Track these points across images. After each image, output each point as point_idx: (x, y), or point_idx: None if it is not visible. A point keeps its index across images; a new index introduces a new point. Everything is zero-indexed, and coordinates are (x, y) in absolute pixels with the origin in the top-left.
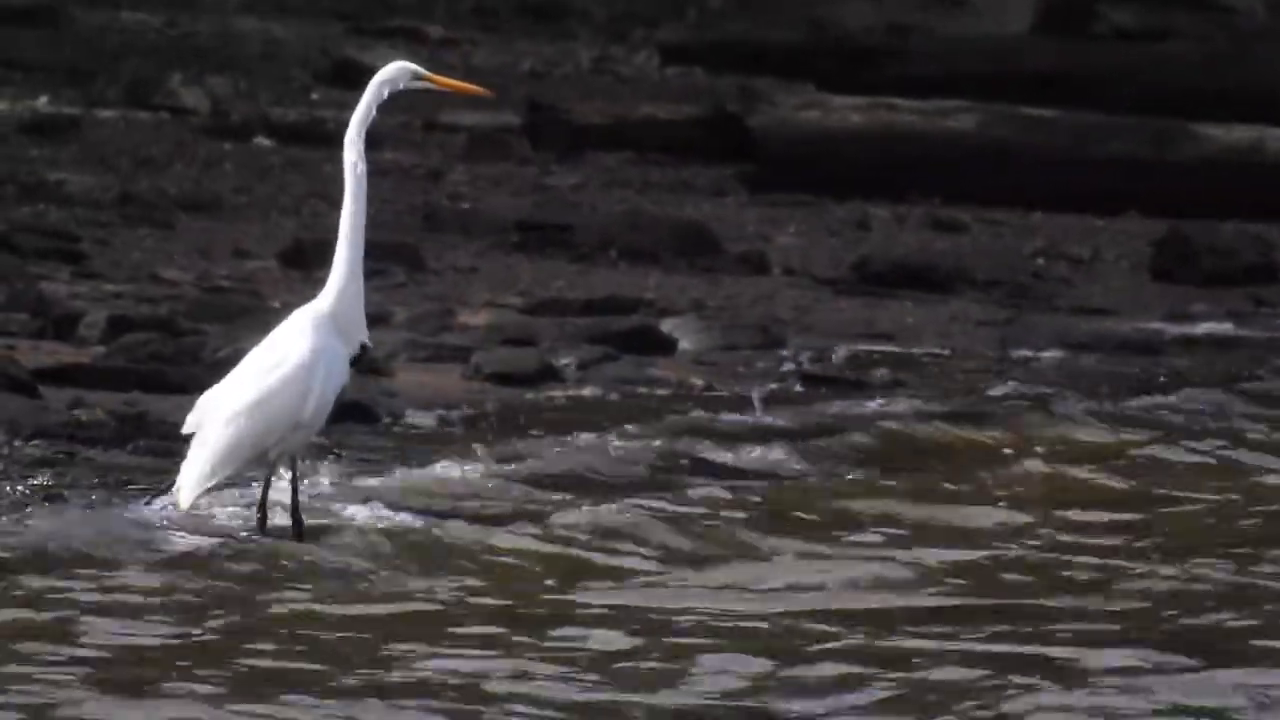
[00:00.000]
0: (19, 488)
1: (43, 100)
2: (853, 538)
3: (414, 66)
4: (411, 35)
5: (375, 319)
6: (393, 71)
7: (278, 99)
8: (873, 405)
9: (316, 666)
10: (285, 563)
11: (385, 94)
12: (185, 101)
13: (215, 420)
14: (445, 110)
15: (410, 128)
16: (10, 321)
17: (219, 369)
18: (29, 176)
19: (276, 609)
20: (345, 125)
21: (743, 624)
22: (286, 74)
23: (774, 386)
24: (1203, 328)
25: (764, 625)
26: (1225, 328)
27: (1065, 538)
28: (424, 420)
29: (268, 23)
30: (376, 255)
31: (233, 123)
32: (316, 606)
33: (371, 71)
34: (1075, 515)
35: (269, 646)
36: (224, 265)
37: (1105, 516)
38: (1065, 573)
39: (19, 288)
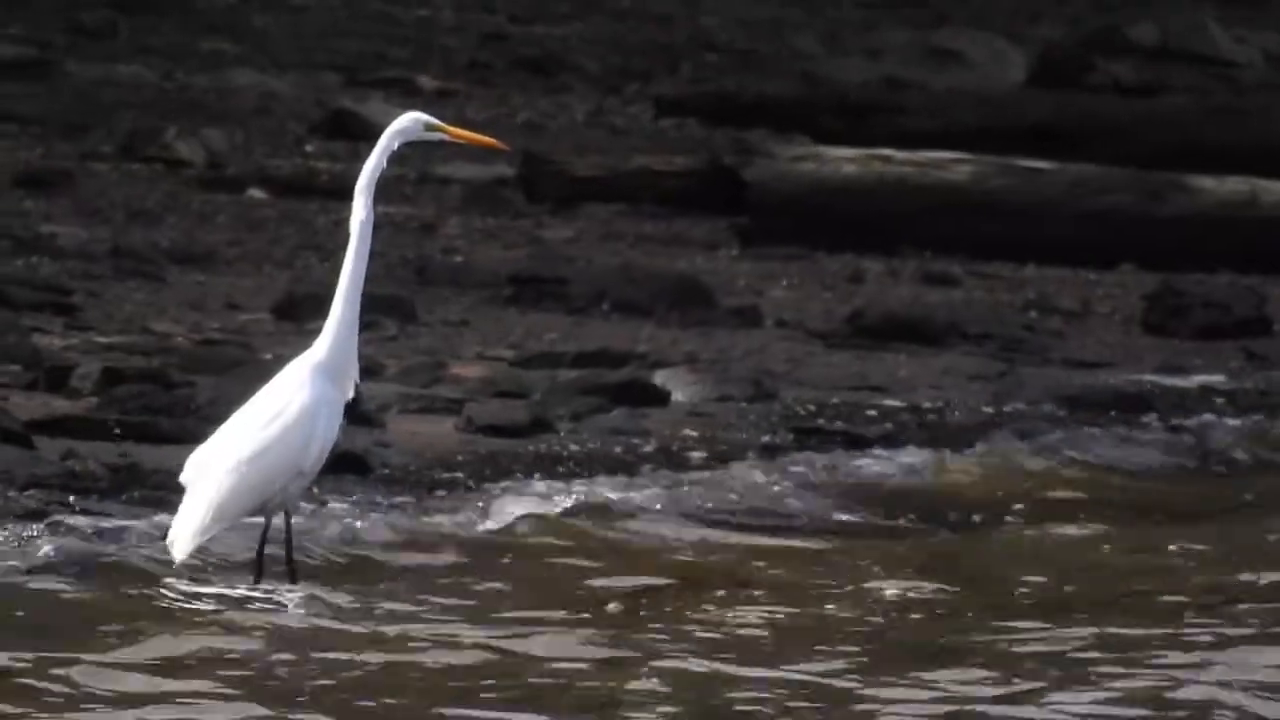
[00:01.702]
0: (14, 539)
1: (36, 153)
2: None
3: (426, 117)
4: (406, 87)
5: (367, 371)
6: (405, 122)
7: (272, 151)
8: None
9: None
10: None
11: (397, 145)
12: (180, 154)
13: (214, 471)
14: (439, 163)
15: (404, 180)
16: (3, 373)
17: (211, 420)
18: (22, 230)
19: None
20: (339, 177)
21: None
22: (281, 126)
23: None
24: (1196, 380)
25: None
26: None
27: None
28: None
29: (263, 76)
30: (369, 307)
31: (227, 175)
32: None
33: (367, 124)
34: None
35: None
36: (216, 317)
37: None
38: None
39: (12, 340)
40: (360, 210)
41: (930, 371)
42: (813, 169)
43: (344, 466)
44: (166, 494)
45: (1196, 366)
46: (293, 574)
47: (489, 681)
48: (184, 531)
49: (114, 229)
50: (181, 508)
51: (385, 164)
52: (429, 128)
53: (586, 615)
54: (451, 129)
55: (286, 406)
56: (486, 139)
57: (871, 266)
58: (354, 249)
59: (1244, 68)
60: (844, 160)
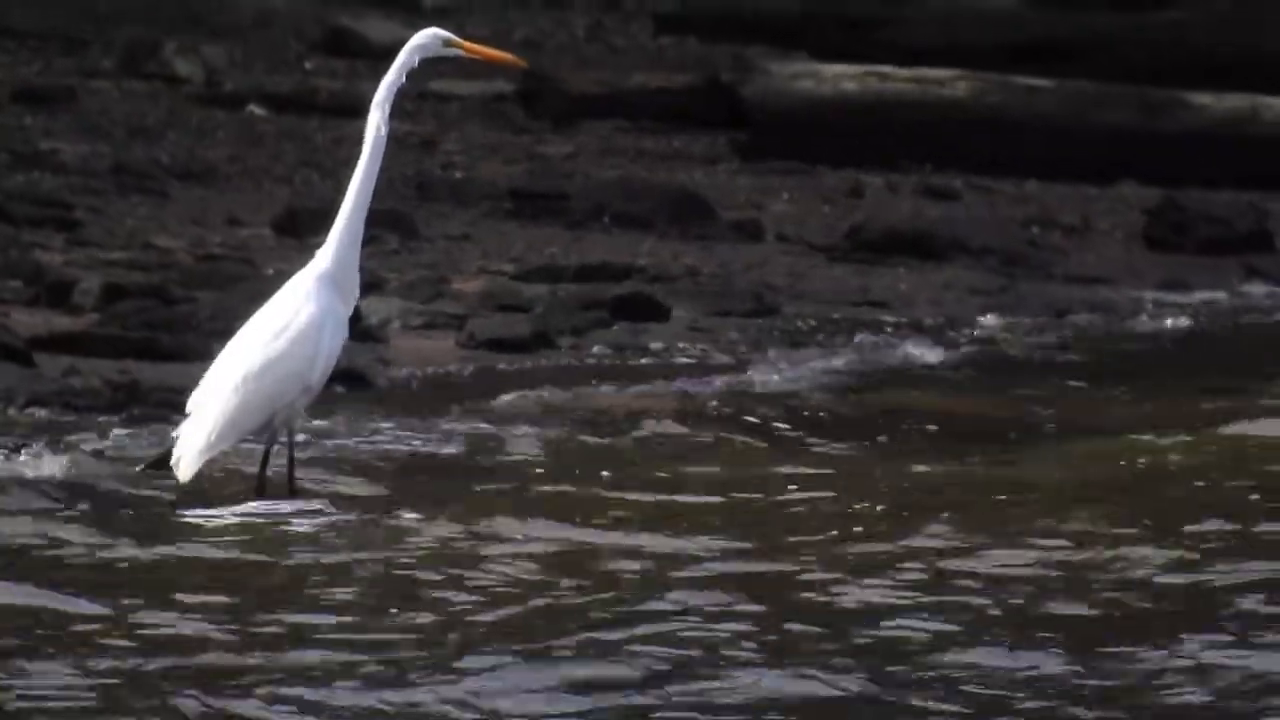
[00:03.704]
0: (14, 455)
1: (35, 68)
2: None
3: (445, 33)
4: (405, 4)
5: (370, 286)
6: (424, 38)
7: (272, 68)
8: None
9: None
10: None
11: (416, 60)
12: (179, 70)
13: (219, 388)
14: (439, 79)
15: (404, 96)
16: (4, 289)
17: (212, 335)
18: (23, 145)
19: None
20: (339, 95)
21: None
22: (280, 43)
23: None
24: (1197, 296)
25: None
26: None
27: None
28: None
29: None
30: (370, 223)
31: (226, 91)
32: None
33: (366, 41)
34: None
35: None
36: (218, 233)
37: None
38: None
39: (13, 255)
40: (375, 123)
41: (931, 285)
42: (811, 86)
43: (345, 382)
44: (167, 411)
45: (1198, 282)
46: (294, 490)
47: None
48: (190, 450)
49: (115, 145)
50: (186, 426)
51: (404, 79)
52: (447, 44)
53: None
54: (469, 45)
55: (292, 320)
56: (503, 55)
57: (872, 181)
58: (365, 161)
59: None
60: (843, 77)
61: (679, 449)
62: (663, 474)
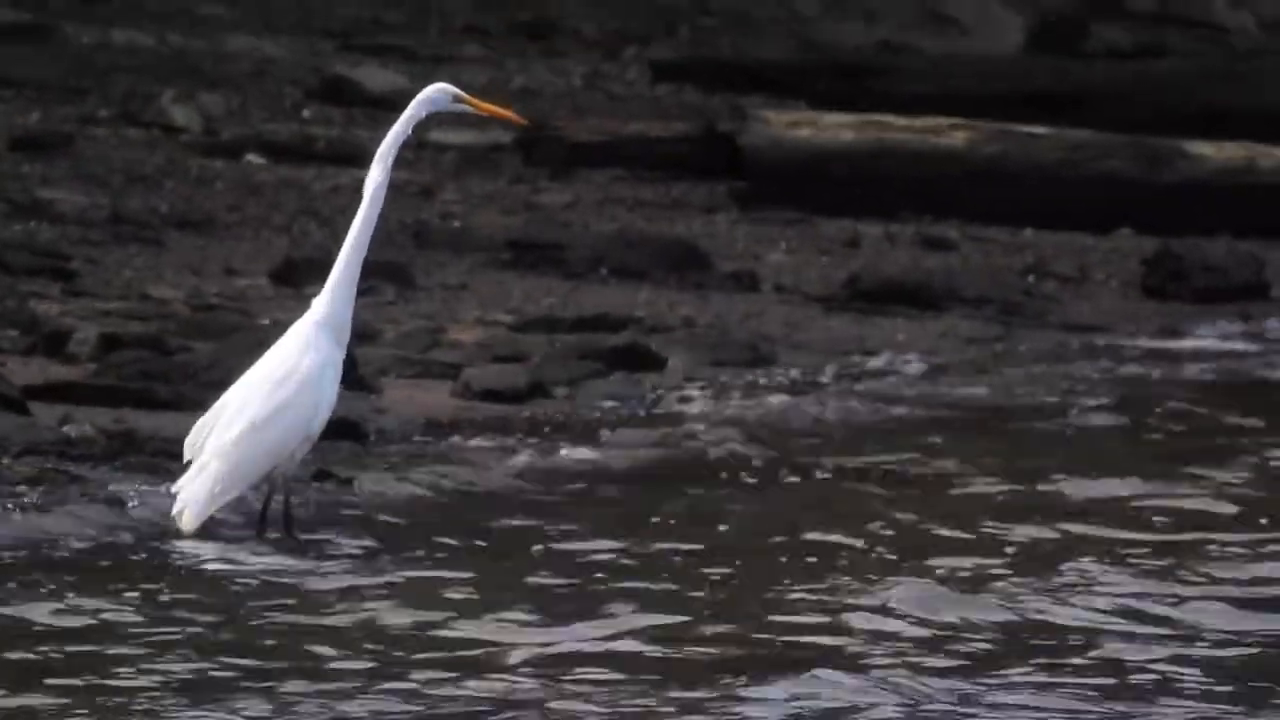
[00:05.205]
0: (9, 504)
1: (33, 117)
2: None
3: (453, 89)
4: (402, 53)
5: (365, 336)
6: (432, 93)
7: (269, 117)
8: None
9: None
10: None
11: (423, 114)
12: (176, 119)
13: (222, 440)
14: (437, 128)
15: (403, 145)
16: (1, 338)
17: (209, 386)
18: (20, 194)
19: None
20: (337, 144)
21: None
22: (278, 92)
23: None
24: (1193, 344)
25: None
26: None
27: None
28: None
29: (259, 41)
30: (367, 273)
31: (224, 140)
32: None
33: (363, 90)
34: None
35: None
36: (215, 283)
37: None
38: None
39: (9, 305)
40: (377, 174)
41: (928, 335)
42: (809, 134)
43: (339, 433)
44: (164, 460)
45: (1194, 331)
46: (293, 539)
47: None
48: (194, 501)
49: (112, 194)
50: (189, 477)
51: (410, 132)
52: (455, 99)
53: None
54: (476, 102)
55: (294, 370)
56: (508, 113)
57: (869, 231)
58: (364, 210)
59: (1236, 33)
60: (841, 126)
61: None
62: None
